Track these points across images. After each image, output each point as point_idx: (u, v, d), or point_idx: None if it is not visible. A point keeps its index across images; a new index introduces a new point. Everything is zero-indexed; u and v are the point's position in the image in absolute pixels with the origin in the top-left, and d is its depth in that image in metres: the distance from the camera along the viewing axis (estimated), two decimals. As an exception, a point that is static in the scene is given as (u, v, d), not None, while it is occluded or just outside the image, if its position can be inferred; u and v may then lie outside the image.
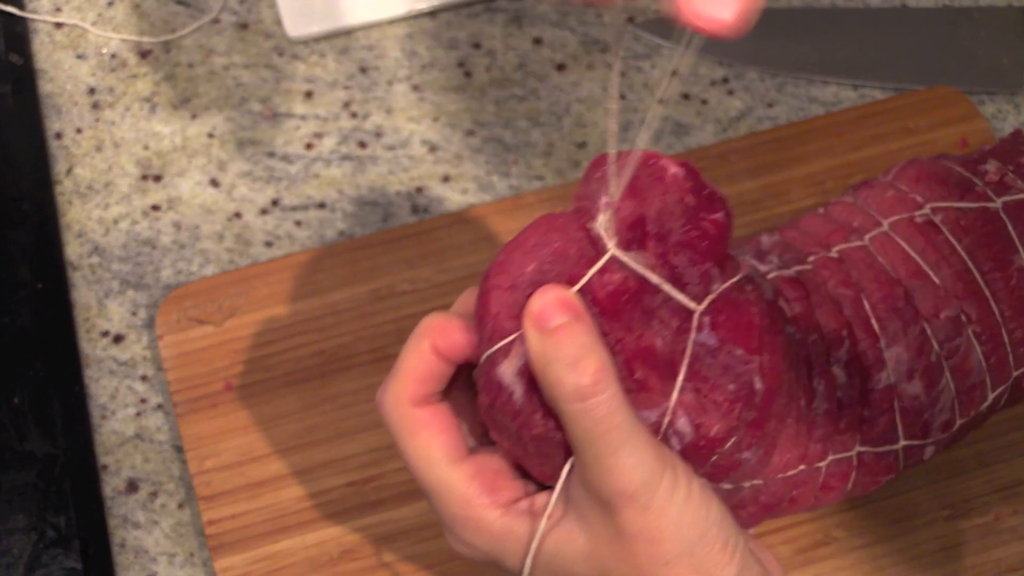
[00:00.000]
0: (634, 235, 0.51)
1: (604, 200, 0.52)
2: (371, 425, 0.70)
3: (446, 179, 0.79)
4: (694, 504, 0.50)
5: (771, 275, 0.62)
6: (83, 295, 0.75)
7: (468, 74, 0.82)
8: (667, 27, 0.85)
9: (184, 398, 0.70)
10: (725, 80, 0.83)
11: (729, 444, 0.52)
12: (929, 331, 0.62)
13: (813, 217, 0.67)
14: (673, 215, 0.52)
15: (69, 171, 0.78)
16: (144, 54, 0.82)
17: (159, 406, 0.72)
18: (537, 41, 0.84)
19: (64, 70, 0.81)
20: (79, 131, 0.80)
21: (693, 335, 0.51)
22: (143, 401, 0.72)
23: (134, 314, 0.74)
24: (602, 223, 0.51)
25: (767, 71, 0.84)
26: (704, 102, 0.82)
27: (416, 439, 0.52)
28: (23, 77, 0.80)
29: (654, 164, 0.53)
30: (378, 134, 0.80)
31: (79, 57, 0.82)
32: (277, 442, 0.69)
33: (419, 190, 0.78)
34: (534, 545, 0.51)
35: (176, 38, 0.83)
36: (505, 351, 0.50)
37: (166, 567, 0.68)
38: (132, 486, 0.70)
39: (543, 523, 0.51)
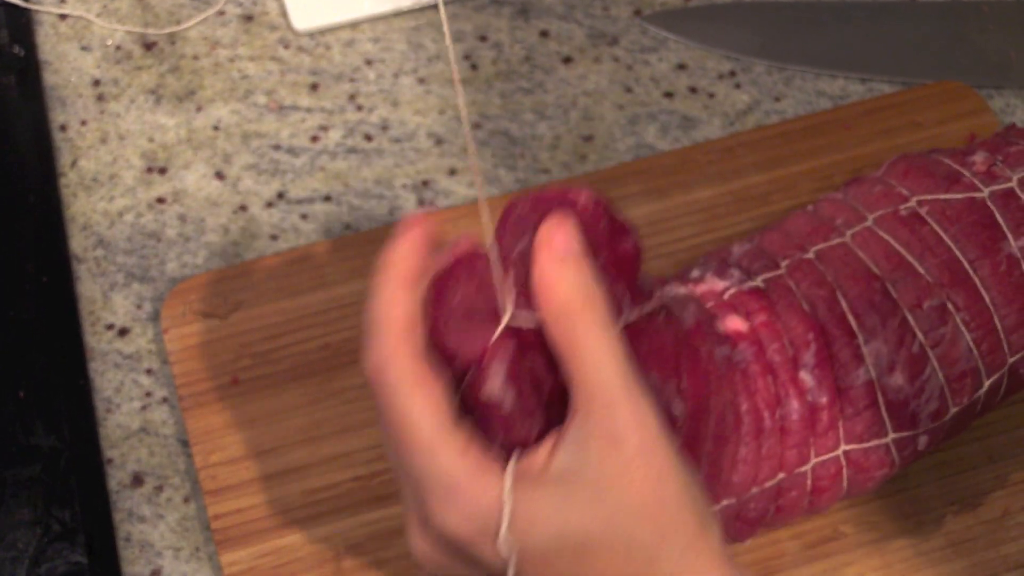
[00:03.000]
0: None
1: (516, 252, 0.51)
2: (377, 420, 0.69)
3: (452, 172, 0.78)
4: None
5: (730, 291, 0.63)
6: (88, 288, 0.74)
7: (474, 67, 0.82)
8: (673, 20, 0.85)
9: (190, 392, 0.70)
10: (732, 73, 0.82)
11: None
12: (912, 321, 0.62)
13: (800, 215, 0.67)
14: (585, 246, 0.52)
15: (74, 163, 0.78)
16: (149, 46, 0.82)
17: (164, 399, 0.72)
18: (544, 34, 0.83)
19: (69, 62, 0.81)
20: (84, 123, 0.79)
21: None
22: (148, 394, 0.72)
23: (139, 307, 0.74)
24: (505, 287, 0.51)
25: (775, 65, 0.83)
26: (711, 95, 0.82)
27: (413, 397, 0.48)
28: (27, 69, 0.80)
29: (565, 198, 0.52)
30: (384, 127, 0.80)
31: (84, 49, 0.82)
32: (283, 436, 0.69)
33: (425, 183, 0.78)
34: (506, 511, 0.48)
35: (181, 30, 0.82)
36: (483, 372, 0.50)
37: (171, 561, 0.68)
38: (137, 480, 0.70)
39: (508, 479, 0.49)
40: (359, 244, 0.74)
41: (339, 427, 0.69)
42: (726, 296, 0.62)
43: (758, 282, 0.63)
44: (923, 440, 0.64)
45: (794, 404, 0.61)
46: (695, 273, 0.64)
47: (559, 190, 0.53)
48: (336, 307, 0.72)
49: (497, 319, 0.50)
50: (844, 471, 0.63)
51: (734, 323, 0.61)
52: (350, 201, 0.77)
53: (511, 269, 0.51)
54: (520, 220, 0.52)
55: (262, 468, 0.68)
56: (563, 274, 0.49)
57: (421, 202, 0.77)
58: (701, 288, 0.63)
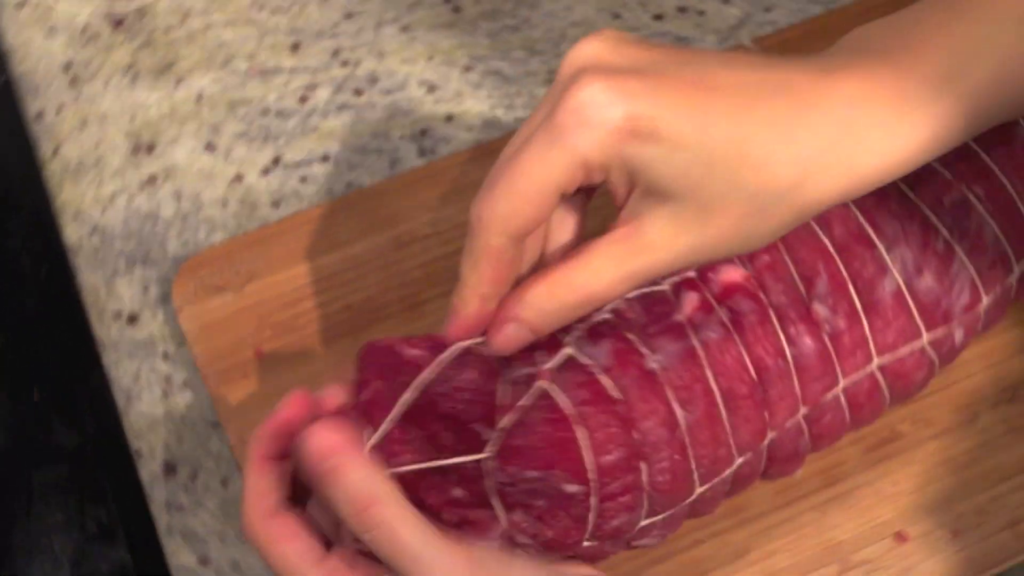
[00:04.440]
0: (406, 421, 0.53)
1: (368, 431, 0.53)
2: (413, 375, 0.67)
3: (449, 119, 0.76)
4: None
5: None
6: (89, 278, 0.71)
7: (457, 9, 0.79)
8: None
9: (213, 370, 0.67)
10: (720, -12, 0.81)
11: (591, 530, 0.54)
12: (935, 219, 0.61)
13: None
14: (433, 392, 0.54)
15: (56, 151, 0.75)
16: (117, 23, 0.79)
17: (185, 383, 0.69)
18: (522, -32, 0.81)
19: (35, 47, 0.78)
20: (60, 109, 0.76)
21: (489, 482, 0.53)
22: (168, 380, 0.69)
23: (145, 291, 0.71)
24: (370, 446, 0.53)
25: (761, -26, 0.81)
26: (701, 13, 0.80)
27: (275, 550, 0.53)
28: (-7, 60, 0.77)
29: (391, 349, 0.54)
30: (373, 80, 0.77)
31: (49, 33, 0.78)
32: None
33: (423, 132, 0.75)
34: None
35: (149, 3, 0.79)
36: None
37: (218, 547, 0.65)
38: (170, 469, 0.67)
39: None
40: (366, 200, 0.72)
41: (374, 388, 0.67)
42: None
43: None
44: (959, 335, 0.62)
45: (807, 341, 0.59)
46: None
47: (384, 344, 0.54)
48: (352, 267, 0.70)
49: None
50: (882, 383, 0.61)
51: (729, 275, 0.59)
52: (349, 159, 0.75)
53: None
54: (371, 363, 0.54)
55: (300, 439, 0.66)
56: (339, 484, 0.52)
57: (422, 152, 0.75)
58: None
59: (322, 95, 0.76)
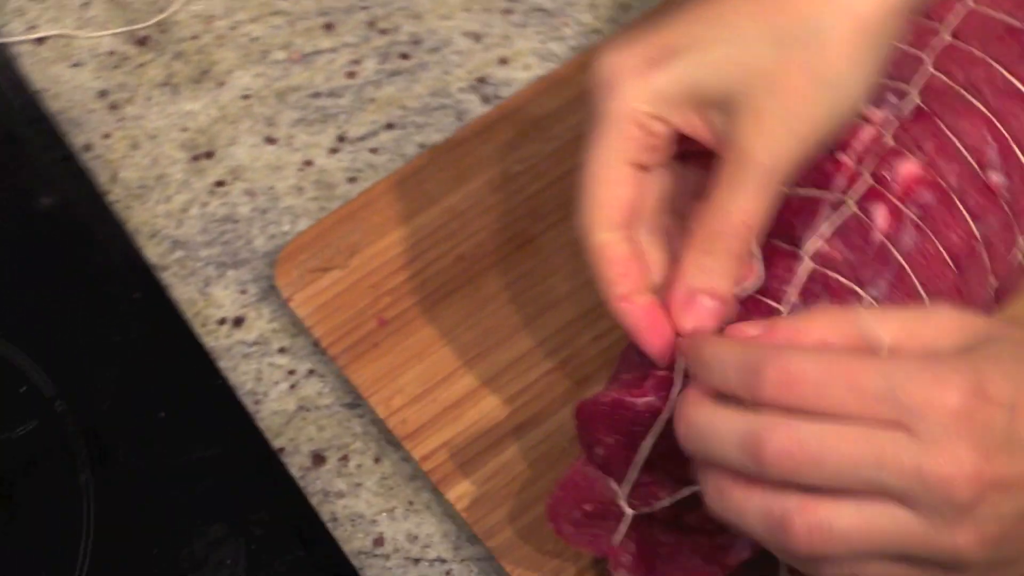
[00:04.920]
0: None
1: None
2: (546, 307, 0.65)
3: (503, 62, 0.74)
4: None
5: (892, 124, 0.58)
6: (182, 291, 0.68)
7: (480, -43, 0.78)
8: None
9: (341, 348, 0.64)
10: None
11: None
12: None
13: None
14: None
15: (114, 178, 0.72)
16: (141, 42, 0.76)
17: (310, 371, 0.66)
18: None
19: (65, 82, 0.75)
20: (107, 136, 0.73)
21: None
22: (291, 372, 0.66)
23: (243, 292, 0.68)
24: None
25: None
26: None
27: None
28: (26, 104, 0.74)
29: (621, 404, 0.52)
30: (416, 41, 0.75)
31: (75, 65, 0.75)
32: (456, 358, 0.64)
33: (481, 80, 0.74)
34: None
35: (168, 16, 0.77)
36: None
37: (389, 524, 0.62)
38: (318, 459, 0.64)
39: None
40: (445, 154, 0.69)
41: (508, 330, 0.64)
42: (890, 132, 0.57)
43: (914, 96, 0.59)
44: None
45: (990, 217, 0.58)
46: None
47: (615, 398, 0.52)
48: (453, 218, 0.67)
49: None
50: None
51: (907, 169, 0.57)
52: (414, 121, 0.72)
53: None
54: (598, 423, 0.53)
55: (448, 395, 0.63)
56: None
57: (485, 99, 0.73)
58: (862, 134, 0.58)
59: (369, 66, 0.74)
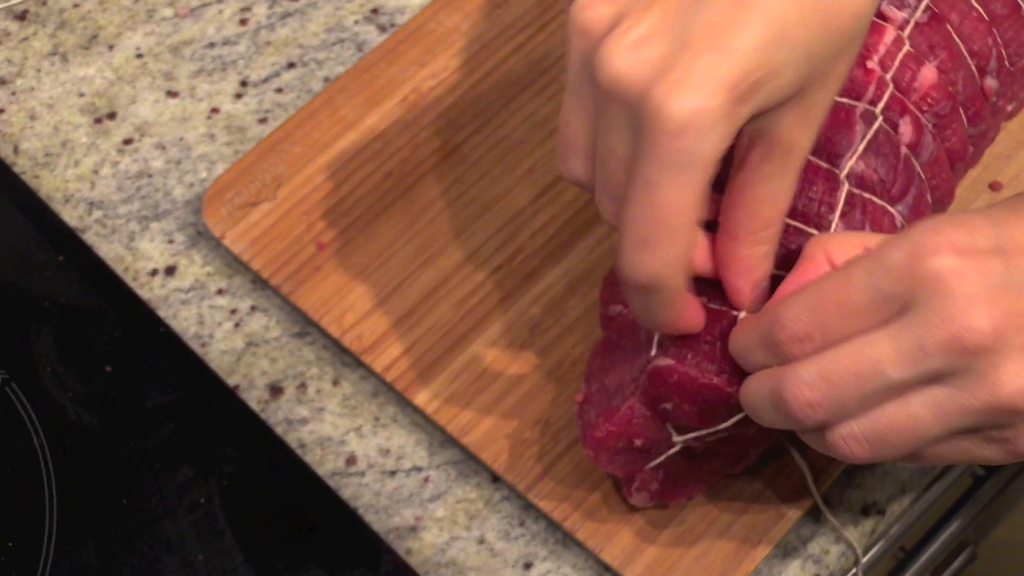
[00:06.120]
0: None
1: None
2: (482, 210, 0.65)
3: (394, -9, 0.74)
4: None
5: (908, 26, 0.59)
6: (108, 250, 0.67)
7: None
8: None
9: (283, 277, 0.64)
10: None
11: None
12: None
13: None
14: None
15: (16, 150, 0.70)
16: (21, 16, 0.74)
17: (253, 308, 0.65)
18: None
19: (-51, 65, 0.73)
20: (1, 112, 0.71)
21: None
22: (234, 312, 0.65)
23: (170, 242, 0.67)
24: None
25: None
26: None
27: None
28: (-91, 91, 0.71)
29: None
30: (303, -18, 0.75)
31: (-44, 47, 0.73)
32: (401, 269, 0.64)
33: (374, 12, 0.73)
34: None
35: (46, -12, 0.75)
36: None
37: (358, 441, 0.61)
38: (276, 390, 0.63)
39: None
40: (354, 80, 0.69)
41: (449, 236, 0.64)
42: (907, 34, 0.59)
43: (925, 14, 0.60)
44: None
45: (981, 125, 0.61)
46: None
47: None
48: (375, 138, 0.67)
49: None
50: None
51: (927, 77, 0.59)
52: (315, 58, 0.72)
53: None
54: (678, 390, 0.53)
55: (400, 306, 0.63)
56: None
57: (382, 28, 0.73)
58: (884, 37, 0.59)
59: (260, 12, 0.74)
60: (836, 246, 0.50)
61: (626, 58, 0.45)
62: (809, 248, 0.50)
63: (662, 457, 0.55)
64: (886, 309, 0.46)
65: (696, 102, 0.44)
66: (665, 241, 0.46)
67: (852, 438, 0.47)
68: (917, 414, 0.46)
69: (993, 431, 0.47)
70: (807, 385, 0.47)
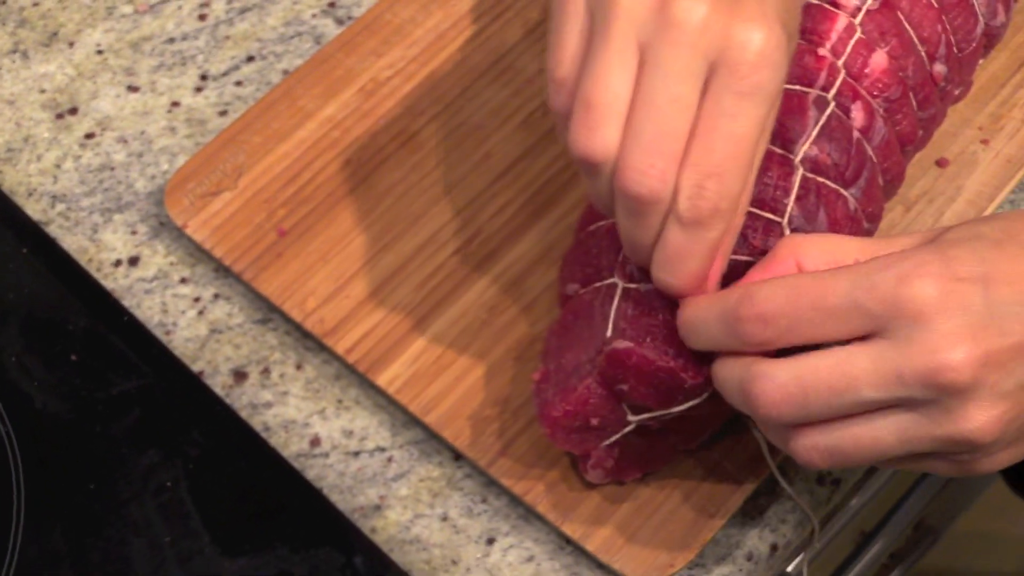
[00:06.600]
0: None
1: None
2: (441, 195, 0.66)
3: (350, -15, 0.75)
4: None
5: (859, 14, 0.60)
6: (71, 241, 0.67)
7: None
8: None
9: (245, 264, 0.65)
10: None
11: None
12: None
13: None
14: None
15: (-22, 147, 0.71)
16: (-18, 16, 0.75)
17: (216, 296, 0.66)
18: None
19: (-90, 64, 0.73)
20: (-37, 109, 0.72)
21: None
22: (197, 300, 0.66)
23: (133, 233, 0.68)
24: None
25: None
26: None
27: None
28: None
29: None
30: (260, -23, 0.76)
31: (-83, 46, 0.74)
32: (362, 254, 0.65)
33: (332, 5, 0.74)
34: None
35: (5, -13, 0.76)
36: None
37: (322, 424, 0.62)
38: (240, 376, 0.64)
39: None
40: (313, 72, 0.70)
41: (409, 220, 0.65)
42: (858, 21, 0.60)
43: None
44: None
45: (930, 109, 0.62)
46: None
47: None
48: (333, 127, 0.68)
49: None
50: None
51: (878, 63, 0.60)
52: (273, 51, 0.73)
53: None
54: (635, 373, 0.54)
55: (361, 289, 0.64)
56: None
57: (339, 21, 0.74)
58: (836, 24, 0.60)
59: (218, 7, 0.75)
60: (807, 251, 0.51)
61: (701, 3, 0.48)
62: (781, 248, 0.51)
63: (617, 435, 0.56)
64: (857, 323, 0.47)
65: (774, 37, 0.48)
66: (735, 171, 0.48)
67: (814, 449, 0.49)
68: (880, 436, 0.48)
69: (952, 456, 0.49)
70: (780, 386, 0.48)
